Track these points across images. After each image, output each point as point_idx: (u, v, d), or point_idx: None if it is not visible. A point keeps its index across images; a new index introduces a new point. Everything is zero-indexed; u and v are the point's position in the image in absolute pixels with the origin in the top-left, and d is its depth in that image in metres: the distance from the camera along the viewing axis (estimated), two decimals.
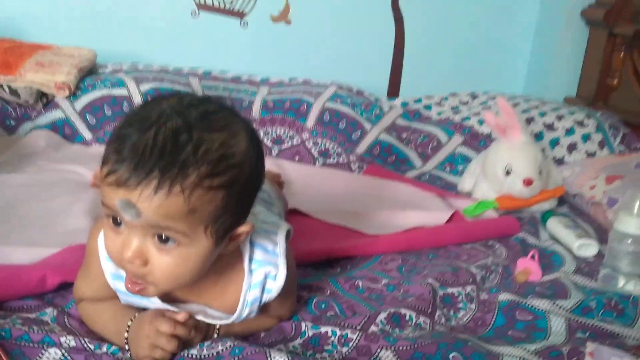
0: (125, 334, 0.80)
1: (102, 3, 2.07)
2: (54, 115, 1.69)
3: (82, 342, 0.80)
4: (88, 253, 0.83)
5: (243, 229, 0.74)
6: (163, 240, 0.69)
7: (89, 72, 1.86)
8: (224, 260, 0.79)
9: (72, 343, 0.80)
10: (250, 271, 0.81)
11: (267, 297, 0.82)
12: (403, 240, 1.21)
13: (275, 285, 0.81)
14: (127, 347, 0.80)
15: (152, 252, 0.69)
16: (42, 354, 0.78)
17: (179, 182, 0.65)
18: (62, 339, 0.80)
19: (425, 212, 1.36)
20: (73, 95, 1.71)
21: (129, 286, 0.72)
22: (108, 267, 0.80)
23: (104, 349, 0.80)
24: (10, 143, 1.59)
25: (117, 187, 0.65)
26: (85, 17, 2.07)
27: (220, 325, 0.84)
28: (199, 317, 0.82)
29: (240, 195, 0.72)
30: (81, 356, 0.78)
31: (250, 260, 0.81)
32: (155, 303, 0.80)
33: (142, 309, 0.84)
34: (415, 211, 1.36)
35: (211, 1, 2.16)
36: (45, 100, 1.70)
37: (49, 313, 0.89)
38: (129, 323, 0.81)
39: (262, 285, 0.81)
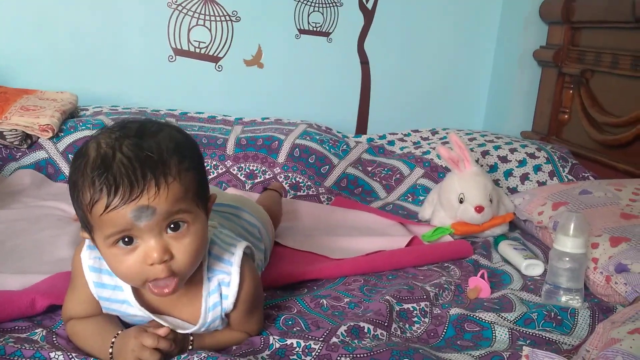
0: (110, 350, 0.89)
1: (84, 49, 2.18)
2: (38, 155, 1.78)
3: (70, 356, 0.89)
4: (74, 268, 0.93)
5: (212, 199, 0.89)
6: (175, 227, 0.81)
7: (71, 115, 1.96)
8: None
9: (61, 358, 0.88)
10: (208, 279, 0.91)
11: (226, 303, 0.92)
12: (365, 263, 1.31)
13: (230, 292, 0.92)
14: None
15: (171, 243, 0.81)
16: None
17: (169, 173, 0.79)
18: (52, 354, 0.88)
19: (386, 238, 1.47)
20: (56, 137, 1.81)
21: (159, 291, 0.82)
22: (91, 277, 0.90)
23: None
24: None
25: (125, 204, 0.76)
26: (68, 62, 2.17)
27: (193, 339, 0.93)
28: (178, 331, 0.91)
29: (203, 171, 0.87)
30: None
31: (208, 269, 0.92)
32: (133, 306, 0.90)
33: (126, 326, 0.93)
34: (377, 237, 1.47)
35: (187, 46, 2.28)
36: (29, 141, 1.79)
37: (39, 333, 0.97)
38: (113, 340, 0.89)
39: (219, 292, 0.92)
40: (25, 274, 1.12)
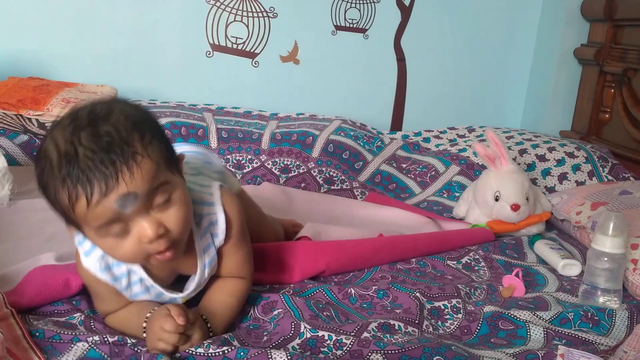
0: (144, 324, 0.92)
1: (123, 44, 2.21)
2: None
3: (105, 339, 0.90)
4: (85, 280, 0.96)
5: (180, 159, 0.90)
6: (162, 203, 0.82)
7: None
8: None
9: (97, 340, 0.89)
10: (197, 224, 0.94)
11: (217, 241, 0.96)
12: (387, 240, 1.34)
13: (219, 229, 0.95)
14: (144, 335, 0.91)
15: (162, 217, 0.83)
16: (71, 348, 0.88)
17: (136, 154, 0.79)
18: (89, 339, 0.89)
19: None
20: None
21: (160, 257, 0.85)
22: (105, 277, 0.92)
23: (127, 342, 0.90)
24: None
25: (105, 196, 0.77)
26: (108, 57, 2.21)
27: (208, 320, 0.94)
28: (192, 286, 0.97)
29: (165, 137, 0.87)
30: (106, 347, 0.88)
31: (194, 215, 0.93)
32: (147, 281, 0.94)
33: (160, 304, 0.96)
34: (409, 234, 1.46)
35: (225, 42, 2.30)
36: None
37: (77, 317, 0.99)
38: (148, 315, 0.92)
39: (210, 232, 0.95)
40: (63, 261, 1.14)
